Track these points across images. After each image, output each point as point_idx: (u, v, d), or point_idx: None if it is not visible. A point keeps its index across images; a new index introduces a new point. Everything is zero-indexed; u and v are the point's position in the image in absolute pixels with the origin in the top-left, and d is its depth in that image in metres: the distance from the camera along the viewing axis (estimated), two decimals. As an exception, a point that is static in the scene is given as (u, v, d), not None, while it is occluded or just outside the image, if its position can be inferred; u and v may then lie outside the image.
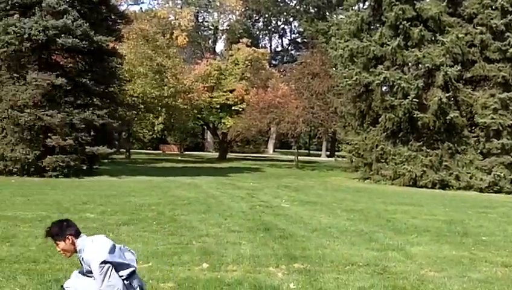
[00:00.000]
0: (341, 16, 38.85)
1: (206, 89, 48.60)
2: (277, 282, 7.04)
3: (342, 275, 7.51)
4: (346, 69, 30.37)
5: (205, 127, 60.53)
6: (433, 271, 7.96)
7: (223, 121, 49.76)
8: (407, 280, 7.31)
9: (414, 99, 27.08)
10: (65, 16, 24.21)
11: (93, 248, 5.09)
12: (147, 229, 10.87)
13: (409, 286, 7.00)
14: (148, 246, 9.06)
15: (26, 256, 8.03)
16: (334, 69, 38.49)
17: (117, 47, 30.99)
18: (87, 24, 24.63)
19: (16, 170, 24.27)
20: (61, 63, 26.50)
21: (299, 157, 45.51)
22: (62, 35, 24.01)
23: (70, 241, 4.99)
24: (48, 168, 24.25)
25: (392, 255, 8.96)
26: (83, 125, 24.81)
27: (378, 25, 30.31)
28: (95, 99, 26.96)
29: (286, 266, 7.96)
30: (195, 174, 28.81)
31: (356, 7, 34.98)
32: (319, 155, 67.67)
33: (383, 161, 28.87)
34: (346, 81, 29.80)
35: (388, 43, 28.34)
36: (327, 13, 70.90)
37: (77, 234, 5.16)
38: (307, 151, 73.95)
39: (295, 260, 8.39)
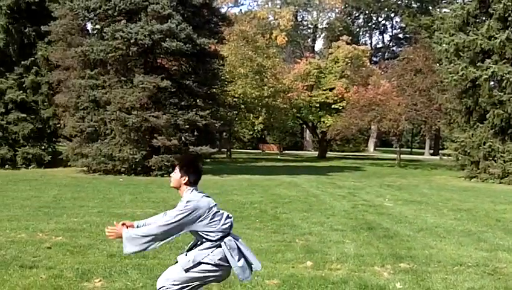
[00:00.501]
0: (445, 10, 37.60)
1: (305, 88, 48.62)
2: (383, 281, 6.94)
3: (451, 276, 7.30)
4: (452, 64, 29.41)
5: (304, 126, 60.57)
6: (548, 273, 7.58)
7: (322, 119, 49.58)
8: (520, 282, 7.01)
9: (524, 94, 25.90)
10: (169, 20, 24.93)
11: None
12: (250, 226, 11.01)
13: (522, 288, 6.71)
14: (252, 244, 9.14)
15: (136, 251, 8.32)
16: (438, 64, 37.26)
17: (218, 49, 31.59)
18: (191, 27, 25.25)
19: (123, 169, 25.30)
20: (165, 66, 27.35)
21: (401, 155, 44.58)
22: (167, 39, 24.75)
23: (184, 181, 4.86)
24: (153, 168, 25.10)
25: (503, 256, 8.62)
26: (187, 126, 25.44)
27: (485, 18, 29.10)
28: (198, 101, 27.60)
29: (392, 266, 7.83)
30: (294, 173, 28.88)
31: (461, 0, 33.81)
32: (422, 153, 66.01)
33: (491, 158, 27.79)
34: (452, 76, 28.85)
35: (496, 36, 27.18)
36: (430, 7, 69.08)
37: (194, 183, 4.90)
38: (409, 149, 72.33)
39: (401, 259, 8.24)
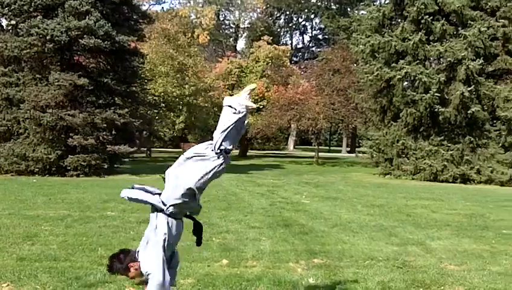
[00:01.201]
0: (362, 12, 38.71)
1: (226, 87, 48.74)
2: (296, 277, 7.06)
3: (362, 270, 7.51)
4: (368, 65, 30.28)
5: (226, 125, 60.52)
6: (453, 265, 7.93)
7: (243, 118, 49.74)
8: (427, 274, 7.30)
9: (435, 94, 26.96)
10: (87, 17, 24.35)
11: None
12: (168, 226, 10.90)
13: (428, 280, 6.98)
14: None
15: (47, 254, 8.10)
16: (355, 65, 38.33)
17: (139, 47, 31.12)
18: (109, 24, 24.78)
19: (37, 169, 24.47)
20: (83, 63, 26.69)
21: (319, 153, 45.41)
22: (84, 35, 24.20)
23: (134, 268, 4.69)
24: (69, 168, 24.46)
25: (412, 250, 8.95)
26: (105, 125, 24.97)
27: (399, 20, 30.15)
28: (116, 99, 27.17)
29: (306, 261, 7.97)
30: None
31: (378, 2, 34.88)
32: (340, 151, 67.46)
33: (403, 156, 28.81)
34: (368, 76, 29.69)
35: (410, 37, 28.19)
36: (348, 9, 70.66)
37: (135, 256, 4.75)
38: (327, 147, 73.73)
39: (315, 255, 8.40)
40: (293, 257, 8.22)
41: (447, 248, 9.14)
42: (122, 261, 4.72)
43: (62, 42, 24.20)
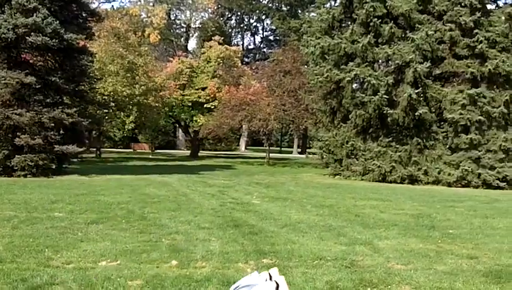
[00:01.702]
0: (313, 14, 39.09)
1: (177, 86, 48.54)
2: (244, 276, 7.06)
3: (310, 270, 7.56)
4: (318, 67, 30.54)
5: (177, 125, 60.42)
6: (400, 264, 8.06)
7: (194, 119, 49.72)
8: (374, 273, 7.40)
9: (384, 96, 27.35)
10: (35, 14, 23.84)
11: None
12: (116, 227, 10.80)
13: (375, 279, 7.08)
14: (117, 245, 9.01)
15: (-7, 256, 7.93)
16: (305, 66, 38.67)
17: (88, 45, 30.67)
18: (58, 22, 24.30)
19: (-17, 169, 23.92)
20: (30, 61, 26.11)
21: (270, 154, 45.67)
22: (32, 33, 23.68)
23: None
24: (16, 168, 23.90)
25: (360, 249, 9.06)
26: (52, 124, 24.48)
27: (349, 23, 30.56)
28: (64, 98, 26.68)
29: (255, 262, 7.99)
30: (166, 172, 28.70)
31: (328, 5, 35.25)
32: (291, 152, 68.01)
33: (353, 156, 29.19)
34: (317, 78, 29.96)
35: (359, 40, 28.57)
36: (299, 11, 71.26)
37: None
38: (278, 148, 74.21)
39: (264, 255, 8.43)
40: (242, 258, 8.23)
41: (394, 248, 9.29)
42: None
43: (9, 39, 23.62)
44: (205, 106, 48.59)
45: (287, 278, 6.91)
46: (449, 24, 27.94)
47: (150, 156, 50.00)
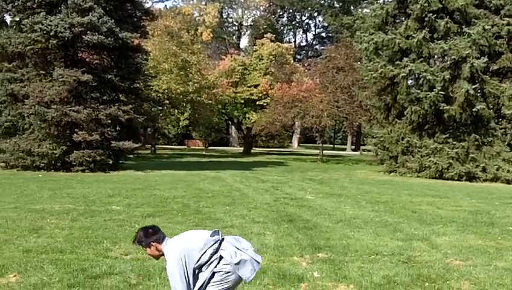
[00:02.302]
0: (366, 10, 38.55)
1: (230, 84, 48.80)
2: (301, 271, 7.05)
3: (367, 264, 7.50)
4: (371, 63, 30.16)
5: (230, 122, 60.72)
6: (459, 260, 7.91)
7: (247, 116, 49.91)
8: (432, 269, 7.28)
9: (440, 92, 26.81)
10: (91, 13, 24.38)
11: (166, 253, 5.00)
12: (172, 220, 10.96)
13: (434, 275, 6.96)
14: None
15: (54, 247, 8.14)
16: (359, 62, 38.25)
17: (142, 44, 31.16)
18: (113, 21, 24.80)
19: (43, 165, 24.56)
20: (87, 59, 26.74)
21: (324, 151, 45.42)
22: (88, 32, 24.24)
23: (155, 247, 4.90)
24: (74, 163, 24.53)
25: (417, 245, 8.92)
26: (109, 121, 25.00)
27: (403, 18, 30.05)
28: (120, 95, 27.22)
29: (310, 256, 7.97)
30: (219, 168, 28.92)
31: (381, 0, 34.72)
32: (344, 149, 67.49)
33: (408, 153, 28.72)
34: (371, 74, 29.58)
35: (414, 35, 28.08)
36: (352, 7, 70.56)
37: (162, 240, 4.91)
38: (331, 145, 73.78)
39: (319, 249, 8.40)
40: (297, 251, 8.22)
41: (453, 244, 9.12)
42: (148, 235, 4.88)
43: (66, 38, 24.21)
44: (258, 103, 48.73)
45: (343, 273, 6.89)
46: (507, 18, 27.25)
47: (204, 153, 50.45)
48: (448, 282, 6.64)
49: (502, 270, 7.32)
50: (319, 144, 47.39)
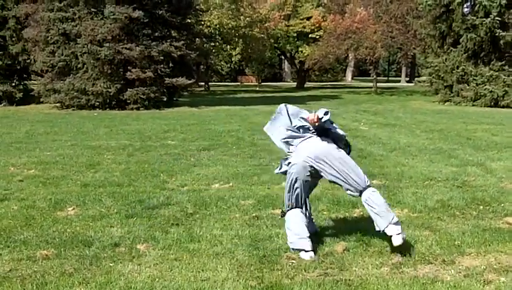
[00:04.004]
0: None
1: (282, 17, 48.14)
2: (354, 198, 7.09)
3: (421, 190, 7.49)
4: (426, -11, 29.26)
5: (282, 57, 60.25)
6: (514, 184, 7.83)
7: (300, 49, 49.36)
8: (487, 192, 7.23)
9: (496, 18, 26.07)
10: (139, -52, 24.30)
11: None
12: (227, 153, 11.11)
13: (488, 198, 6.92)
14: (228, 169, 9.28)
15: (111, 181, 8.34)
16: (414, -10, 37.11)
17: (192, -22, 30.92)
18: (163, -44, 24.65)
19: (97, 103, 25.06)
20: (137, -4, 26.74)
21: (378, 84, 44.74)
22: (138, -33, 24.20)
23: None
24: (129, 101, 24.92)
25: (472, 170, 8.85)
26: (162, 58, 25.17)
27: None
28: (172, 31, 27.25)
29: (364, 183, 8.00)
30: (273, 103, 28.89)
31: None
32: (399, 81, 66.27)
33: (463, 82, 28.16)
34: (426, 1, 28.82)
35: (470, -41, 27.05)
36: None
37: None
38: (385, 78, 72.54)
39: (373, 177, 8.37)
40: (351, 180, 8.24)
41: (508, 168, 9.01)
42: None
43: (116, -25, 24.25)
44: (310, 36, 48.07)
45: (397, 198, 6.93)
46: None
47: (257, 88, 50.43)
48: (502, 205, 6.59)
49: (560, 192, 7.22)
50: (373, 76, 46.71)
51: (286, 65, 67.84)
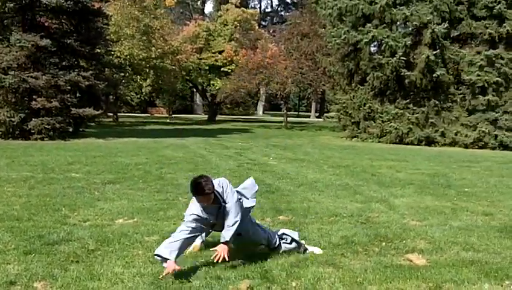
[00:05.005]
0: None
1: (194, 50, 48.27)
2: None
3: (326, 226, 7.57)
4: (335, 29, 30.19)
5: (194, 89, 60.30)
6: (416, 220, 8.04)
7: (212, 82, 49.57)
8: (390, 229, 7.38)
9: (402, 58, 27.17)
10: (48, -25, 23.79)
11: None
12: (133, 187, 10.87)
13: (391, 234, 7.06)
14: (134, 203, 9.06)
15: (10, 215, 7.96)
16: (323, 29, 38.23)
17: (103, 8, 30.53)
18: (72, -17, 24.24)
19: (0, 133, 24.10)
20: (45, 24, 26.08)
21: (288, 118, 45.55)
22: (46, -6, 23.66)
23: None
24: (33, 131, 24.05)
25: (376, 207, 9.05)
26: (69, 87, 24.54)
27: (366, -16, 30.03)
28: (80, 61, 26.75)
29: (271, 219, 8.01)
30: (183, 136, 28.78)
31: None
32: (309, 116, 67.80)
33: (370, 119, 29.12)
34: (335, 40, 29.68)
35: (377, 1, 28.18)
36: (316, -28, 70.13)
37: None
38: (296, 112, 74.05)
39: (280, 212, 8.44)
40: (259, 215, 8.21)
41: (410, 205, 9.27)
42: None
43: (23, 1, 23.74)
44: (222, 69, 48.42)
45: (303, 234, 6.95)
46: (466, -16, 27.47)
47: (168, 120, 50.11)
48: (404, 241, 6.74)
49: (457, 229, 7.47)
50: (283, 111, 47.51)
51: (198, 97, 67.93)
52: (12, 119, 23.72)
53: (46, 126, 23.87)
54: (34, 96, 24.05)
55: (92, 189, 10.42)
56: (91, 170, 13.44)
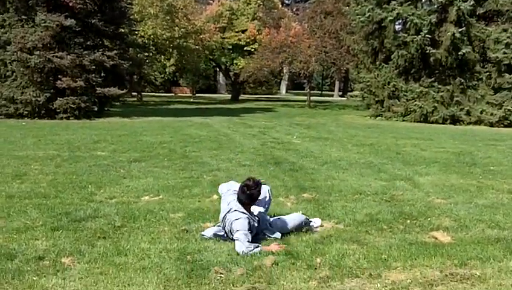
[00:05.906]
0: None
1: (217, 29, 48.22)
2: (286, 210, 7.11)
3: (350, 203, 7.57)
4: (359, 6, 29.87)
5: (217, 69, 60.31)
6: (440, 198, 8.00)
7: (235, 62, 49.53)
8: (414, 207, 7.37)
9: (427, 35, 26.83)
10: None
11: None
12: (158, 165, 10.96)
13: (415, 212, 7.05)
14: (159, 181, 9.14)
15: (37, 192, 8.09)
16: (347, 7, 37.86)
17: (126, -13, 30.58)
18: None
19: (26, 112, 24.37)
20: (70, 4, 26.13)
21: (311, 97, 45.37)
22: (70, -25, 23.75)
23: None
24: (58, 110, 24.33)
25: (400, 185, 9.01)
26: (93, 67, 24.74)
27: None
28: (105, 41, 26.86)
29: (295, 196, 8.02)
30: (207, 115, 28.87)
31: None
32: (332, 96, 67.44)
33: (394, 97, 28.87)
34: (359, 18, 29.40)
35: (402, -22, 27.81)
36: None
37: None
38: (319, 92, 73.69)
39: (304, 190, 8.45)
40: (283, 192, 8.27)
41: (435, 183, 9.22)
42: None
43: (47, -18, 23.74)
44: (245, 48, 48.32)
45: (327, 211, 6.98)
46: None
47: (191, 100, 50.24)
48: (429, 219, 6.72)
49: (482, 207, 7.42)
50: (306, 90, 47.34)
51: (221, 77, 67.96)
52: (38, 98, 23.99)
53: (72, 105, 24.10)
54: (59, 76, 24.27)
55: (117, 167, 10.53)
56: (116, 148, 13.58)
